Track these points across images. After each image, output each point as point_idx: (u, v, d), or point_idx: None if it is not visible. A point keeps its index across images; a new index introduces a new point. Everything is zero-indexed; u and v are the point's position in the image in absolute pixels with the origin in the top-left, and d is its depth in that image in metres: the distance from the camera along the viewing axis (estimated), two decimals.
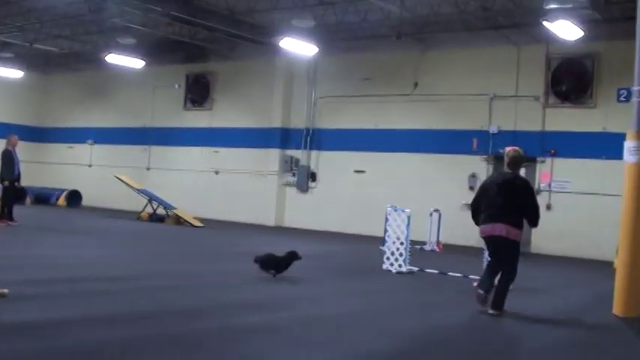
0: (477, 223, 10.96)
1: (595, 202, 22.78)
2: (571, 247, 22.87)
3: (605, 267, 18.06)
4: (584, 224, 22.87)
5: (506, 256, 10.59)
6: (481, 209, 10.76)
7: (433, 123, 26.54)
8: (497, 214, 10.44)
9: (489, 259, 11.16)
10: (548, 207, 23.52)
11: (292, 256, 13.48)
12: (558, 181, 23.40)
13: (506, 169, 10.89)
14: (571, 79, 23.98)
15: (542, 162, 24.30)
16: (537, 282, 14.12)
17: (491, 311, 10.48)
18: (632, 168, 11.50)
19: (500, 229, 10.40)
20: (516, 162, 10.88)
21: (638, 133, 11.47)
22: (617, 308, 11.46)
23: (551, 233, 22.68)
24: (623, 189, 11.61)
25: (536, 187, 23.65)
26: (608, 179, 22.07)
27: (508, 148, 11.06)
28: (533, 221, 10.56)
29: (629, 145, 11.52)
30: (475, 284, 10.96)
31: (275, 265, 13.33)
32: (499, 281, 10.74)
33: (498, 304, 10.52)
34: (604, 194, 22.39)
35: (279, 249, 19.25)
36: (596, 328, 10.49)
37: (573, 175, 23.63)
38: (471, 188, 25.45)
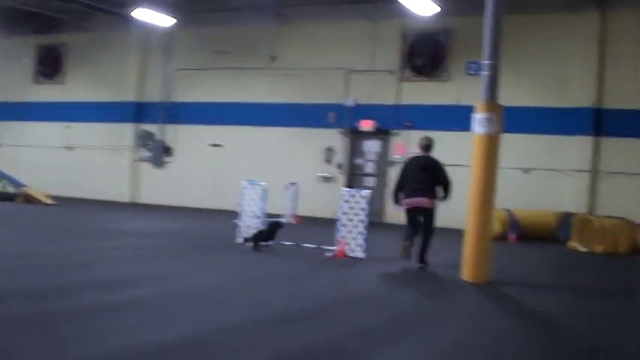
0: (396, 201, 13.56)
1: (449, 173, 23.12)
2: None
3: (457, 235, 18.36)
4: None
5: (428, 220, 13.14)
6: (405, 186, 13.25)
7: (290, 96, 26.48)
8: (421, 190, 13.01)
9: (409, 226, 13.30)
10: None
11: (275, 225, 15.04)
12: (413, 153, 23.68)
13: (420, 152, 13.54)
14: (425, 54, 24.37)
15: (397, 135, 24.61)
16: (391, 250, 14.27)
17: (419, 265, 13.05)
18: (480, 139, 11.76)
19: (423, 201, 13.01)
20: (428, 146, 13.53)
21: (486, 104, 11.74)
22: (465, 274, 11.82)
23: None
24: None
25: (389, 159, 24.41)
26: (462, 150, 22.43)
27: (421, 136, 14.04)
28: (448, 192, 13.06)
29: (477, 116, 11.77)
30: (403, 242, 13.06)
31: (264, 237, 14.74)
32: (423, 241, 13.16)
33: (423, 258, 13.14)
34: (457, 165, 22.73)
35: (134, 226, 18.85)
36: (444, 292, 10.81)
37: None
38: (327, 161, 25.58)
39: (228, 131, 27.56)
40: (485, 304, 10.29)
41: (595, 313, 9.94)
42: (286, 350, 6.71)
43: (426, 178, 13.09)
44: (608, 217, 19.40)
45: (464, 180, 12.72)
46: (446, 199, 13.09)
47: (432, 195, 13.06)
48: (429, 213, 13.13)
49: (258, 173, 22.85)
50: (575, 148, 22.38)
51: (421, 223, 13.19)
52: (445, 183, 13.07)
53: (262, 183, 15.80)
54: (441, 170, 13.17)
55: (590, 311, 10.05)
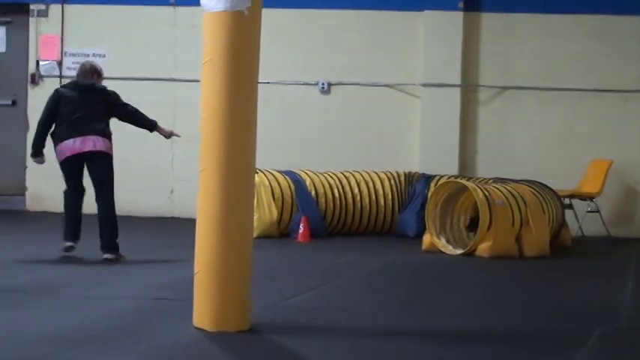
0: (37, 151, 9.29)
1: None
2: None
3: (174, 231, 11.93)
4: None
5: (103, 175, 9.34)
6: (61, 123, 9.37)
7: None
8: (84, 126, 9.24)
9: (68, 193, 9.42)
10: None
11: None
12: (76, 54, 12.87)
13: (83, 80, 9.49)
14: None
15: (44, 15, 13.04)
16: None
17: (107, 255, 9.15)
18: (215, 19, 6.03)
19: (92, 143, 9.19)
20: (93, 71, 9.47)
21: None
22: (198, 317, 6.25)
23: None
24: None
25: (32, 70, 13.25)
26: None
27: (84, 62, 10.02)
28: (145, 121, 9.50)
29: None
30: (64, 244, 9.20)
31: None
32: (104, 215, 9.21)
33: (114, 245, 9.13)
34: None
35: None
36: None
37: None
38: None
39: None
40: None
41: None
42: None
43: (94, 109, 9.20)
44: (501, 181, 11.37)
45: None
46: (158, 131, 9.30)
47: (105, 133, 9.24)
48: (104, 160, 9.22)
49: None
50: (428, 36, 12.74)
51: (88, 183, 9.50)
52: (133, 112, 9.35)
53: None
54: (114, 98, 9.39)
55: None
